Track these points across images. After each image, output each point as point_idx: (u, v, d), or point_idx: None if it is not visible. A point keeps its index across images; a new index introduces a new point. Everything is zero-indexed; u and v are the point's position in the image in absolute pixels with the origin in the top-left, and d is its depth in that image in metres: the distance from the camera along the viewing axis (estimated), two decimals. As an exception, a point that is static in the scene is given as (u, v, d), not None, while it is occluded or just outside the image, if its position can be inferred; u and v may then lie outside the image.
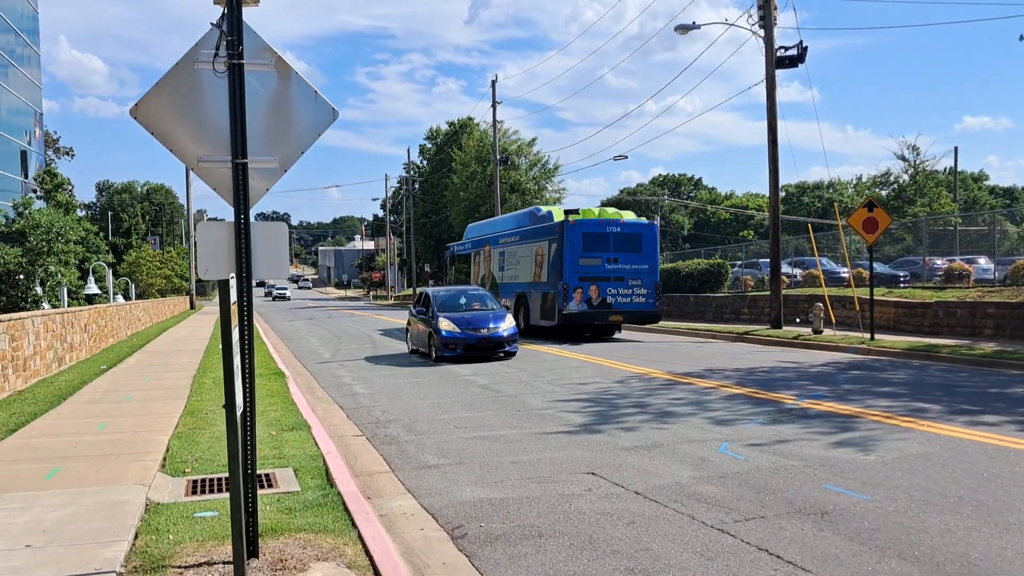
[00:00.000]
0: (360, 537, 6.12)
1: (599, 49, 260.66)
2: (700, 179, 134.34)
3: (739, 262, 40.22)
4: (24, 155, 50.19)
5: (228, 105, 5.30)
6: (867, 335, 21.36)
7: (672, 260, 43.92)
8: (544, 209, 27.94)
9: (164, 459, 8.69)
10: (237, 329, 4.88)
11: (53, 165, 54.39)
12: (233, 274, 5.12)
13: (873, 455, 8.64)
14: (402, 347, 24.51)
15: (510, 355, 20.00)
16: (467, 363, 18.90)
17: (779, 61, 25.17)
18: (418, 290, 23.74)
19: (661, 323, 28.12)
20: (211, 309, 65.59)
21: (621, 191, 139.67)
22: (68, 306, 29.54)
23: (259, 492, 7.31)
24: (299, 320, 46.86)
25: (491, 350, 19.57)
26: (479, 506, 7.24)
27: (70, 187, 54.20)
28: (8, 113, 47.71)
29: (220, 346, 18.74)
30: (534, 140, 65.40)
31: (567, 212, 25.57)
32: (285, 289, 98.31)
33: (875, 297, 22.52)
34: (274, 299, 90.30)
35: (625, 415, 11.57)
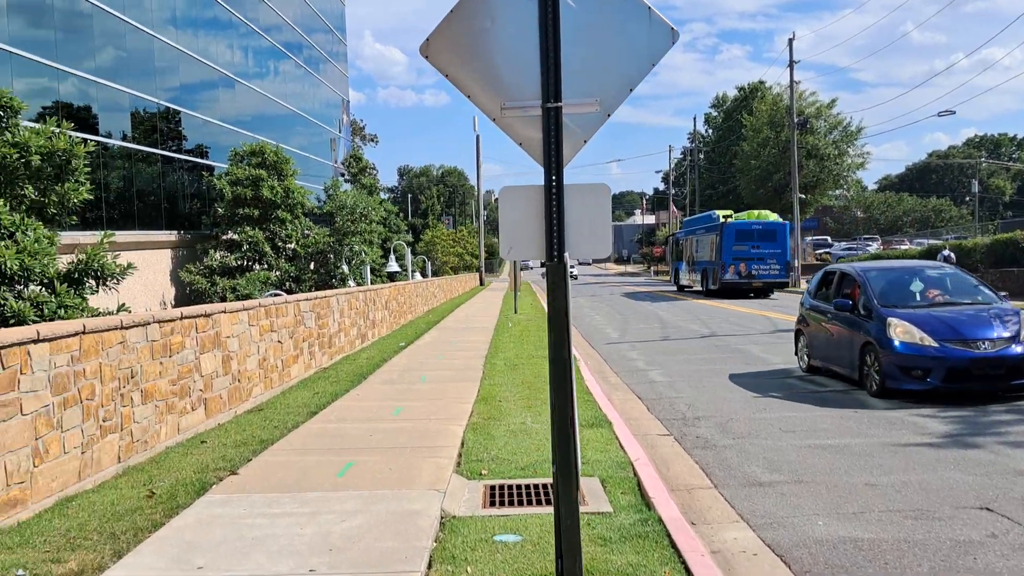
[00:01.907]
0: (697, 590, 4.75)
1: (902, 4, 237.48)
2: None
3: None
4: (333, 142, 54.27)
5: (537, 33, 4.07)
6: None
7: (1004, 230, 38.00)
8: (716, 214, 41.70)
9: (459, 456, 7.87)
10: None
11: (360, 151, 58.35)
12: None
13: None
14: (692, 324, 22.84)
15: None
16: (936, 404, 10.45)
17: None
18: (828, 268, 14.44)
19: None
20: (498, 286, 67.81)
21: (929, 155, 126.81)
22: (371, 283, 31.07)
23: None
24: (581, 297, 46.58)
25: (999, 380, 10.74)
26: (841, 549, 5.60)
27: (374, 171, 58.05)
28: (322, 105, 51.59)
29: (510, 325, 17.93)
30: (834, 101, 59.81)
31: (724, 216, 39.86)
32: (572, 267, 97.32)
33: None
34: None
35: (1004, 423, 9.21)
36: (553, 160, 4.10)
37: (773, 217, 39.76)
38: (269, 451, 8.10)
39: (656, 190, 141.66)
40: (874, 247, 70.24)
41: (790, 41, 48.12)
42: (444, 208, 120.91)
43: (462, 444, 8.33)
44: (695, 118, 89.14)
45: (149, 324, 8.26)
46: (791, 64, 48.14)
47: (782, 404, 11.04)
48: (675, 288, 48.22)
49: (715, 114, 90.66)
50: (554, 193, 4.10)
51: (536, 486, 6.81)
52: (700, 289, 41.93)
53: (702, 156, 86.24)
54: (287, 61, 43.23)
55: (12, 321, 10.26)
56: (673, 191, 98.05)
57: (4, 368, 5.95)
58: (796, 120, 48.85)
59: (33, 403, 6.27)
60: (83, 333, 7.01)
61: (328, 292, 16.55)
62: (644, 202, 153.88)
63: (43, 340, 6.42)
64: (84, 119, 22.40)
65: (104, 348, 7.37)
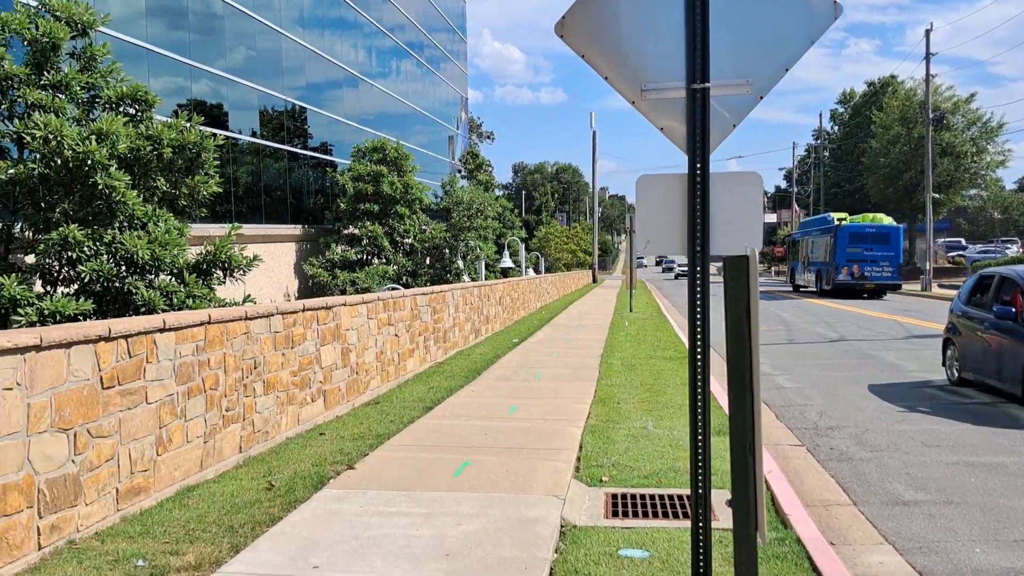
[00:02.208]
0: (845, 623, 4.29)
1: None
2: None
3: None
4: (451, 139, 54.82)
5: (682, 7, 3.71)
6: None
7: None
8: (831, 216, 42.88)
9: (577, 460, 7.56)
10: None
11: (476, 148, 58.76)
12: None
13: None
14: (817, 327, 21.75)
15: None
16: None
17: None
18: (985, 272, 12.63)
19: None
20: (611, 283, 67.37)
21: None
22: (485, 279, 31.12)
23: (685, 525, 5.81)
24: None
25: None
26: (1007, 584, 5.01)
27: (489, 167, 58.37)
28: (441, 103, 52.16)
29: (627, 324, 17.43)
30: (972, 96, 56.46)
31: (839, 219, 40.86)
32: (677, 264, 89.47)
33: None
34: (676, 277, 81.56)
35: None
36: (698, 146, 3.74)
37: (887, 220, 40.97)
38: (385, 446, 8.00)
39: (777, 188, 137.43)
40: (1014, 249, 66.09)
41: (927, 32, 45.62)
42: (558, 205, 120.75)
43: (580, 447, 8.02)
44: (820, 115, 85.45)
45: (272, 315, 8.30)
46: (927, 56, 45.61)
47: (923, 416, 10.25)
48: (791, 288, 49.77)
49: (841, 110, 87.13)
50: (699, 182, 3.73)
51: (663, 497, 6.43)
52: (814, 289, 43.00)
53: (827, 154, 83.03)
54: (409, 60, 43.88)
55: (143, 309, 10.56)
56: (795, 189, 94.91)
57: (131, 356, 6.00)
58: (931, 116, 46.26)
59: (158, 392, 6.33)
60: (208, 323, 7.05)
61: (444, 287, 16.54)
62: (764, 200, 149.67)
63: (169, 329, 6.47)
64: (215, 116, 23.21)
65: (229, 338, 7.41)
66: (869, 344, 18.46)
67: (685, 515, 6.03)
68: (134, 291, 10.79)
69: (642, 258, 64.45)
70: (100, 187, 10.47)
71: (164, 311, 10.73)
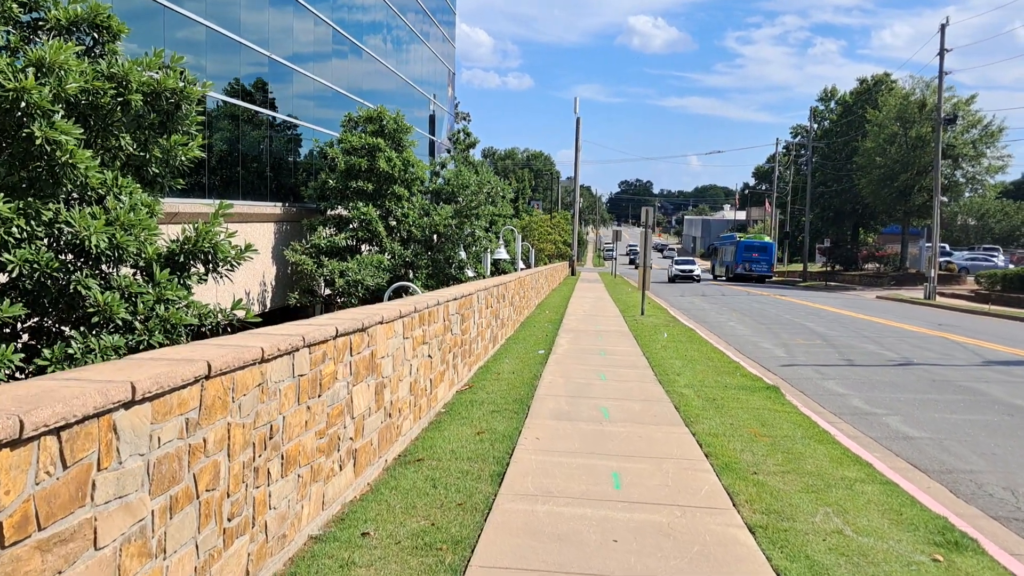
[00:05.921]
0: None
1: (1008, 3, 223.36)
2: None
3: None
4: (433, 117, 51.44)
5: None
6: None
7: None
8: (736, 235, 75.28)
9: (797, 612, 4.71)
10: None
11: (465, 127, 55.53)
12: None
13: None
14: (863, 343, 19.10)
15: None
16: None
17: None
18: None
19: None
20: (588, 276, 65.11)
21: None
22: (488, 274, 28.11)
23: None
24: (691, 296, 43.22)
25: None
26: None
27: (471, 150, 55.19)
28: (430, 79, 48.78)
29: (664, 335, 14.13)
30: (973, 97, 54.45)
31: (740, 237, 71.23)
32: (692, 265, 66.71)
33: None
34: (671, 280, 62.53)
35: None
36: None
37: (767, 238, 70.08)
38: (476, 572, 5.08)
39: (746, 185, 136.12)
40: (1000, 258, 64.91)
41: (942, 27, 43.40)
42: (532, 193, 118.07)
43: (782, 579, 5.17)
44: (811, 110, 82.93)
45: (298, 350, 5.34)
46: (942, 52, 43.42)
47: None
48: (712, 277, 73.46)
49: (822, 108, 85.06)
50: None
51: None
52: (724, 278, 69.36)
53: (810, 151, 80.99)
54: (401, 29, 40.55)
55: (95, 319, 7.51)
56: (773, 187, 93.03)
57: (66, 466, 3.04)
58: (942, 117, 44.11)
59: (117, 522, 3.37)
60: (207, 378, 4.09)
61: (467, 287, 13.58)
62: (736, 198, 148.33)
63: (141, 400, 3.51)
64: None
65: (236, 397, 4.46)
66: (948, 370, 15.86)
67: None
68: (84, 291, 7.72)
69: (611, 250, 63.61)
70: (39, 142, 7.36)
71: (124, 322, 7.69)
